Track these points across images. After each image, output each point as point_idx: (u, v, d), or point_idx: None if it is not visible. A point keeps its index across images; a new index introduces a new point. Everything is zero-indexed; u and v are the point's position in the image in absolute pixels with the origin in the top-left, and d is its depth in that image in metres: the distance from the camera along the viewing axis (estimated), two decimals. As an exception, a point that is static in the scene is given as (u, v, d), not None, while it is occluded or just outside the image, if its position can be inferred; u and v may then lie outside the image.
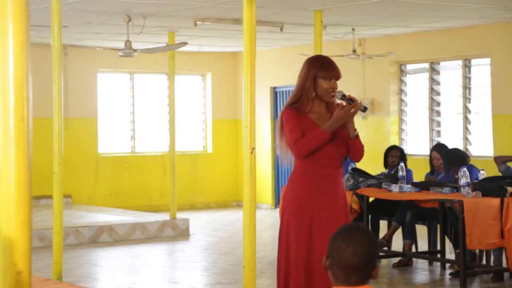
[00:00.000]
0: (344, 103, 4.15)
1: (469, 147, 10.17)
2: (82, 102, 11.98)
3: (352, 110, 4.03)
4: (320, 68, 4.13)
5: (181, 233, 9.73)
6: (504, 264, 6.71)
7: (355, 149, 4.17)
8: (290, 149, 4.14)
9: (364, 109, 4.15)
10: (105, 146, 12.28)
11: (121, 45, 8.84)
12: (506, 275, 6.77)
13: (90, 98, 12.06)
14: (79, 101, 11.92)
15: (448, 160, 7.25)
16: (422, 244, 7.80)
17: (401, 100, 11.05)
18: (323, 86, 4.12)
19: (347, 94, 4.20)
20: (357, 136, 4.16)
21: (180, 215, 10.38)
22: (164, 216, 10.04)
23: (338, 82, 4.21)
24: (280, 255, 4.23)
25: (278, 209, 8.40)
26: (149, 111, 12.64)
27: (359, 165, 8.27)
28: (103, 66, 12.13)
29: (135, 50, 8.65)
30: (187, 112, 12.97)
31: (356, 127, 4.21)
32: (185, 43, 8.82)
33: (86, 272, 7.38)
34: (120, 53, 8.70)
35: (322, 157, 4.13)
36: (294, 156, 4.14)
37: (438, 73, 10.69)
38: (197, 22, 8.77)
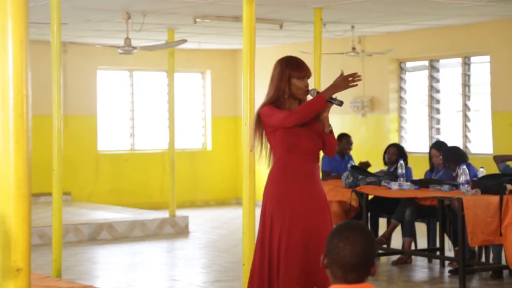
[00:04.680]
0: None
1: (468, 145, 10.17)
2: (82, 100, 11.98)
3: (350, 79, 4.16)
4: (294, 69, 4.28)
5: (180, 230, 9.73)
6: (504, 262, 6.72)
7: (329, 143, 4.30)
8: (280, 124, 4.19)
9: (340, 104, 4.24)
10: (104, 144, 12.28)
11: (121, 42, 8.83)
12: (506, 272, 6.78)
13: (90, 96, 12.06)
14: (78, 99, 11.92)
15: (447, 157, 7.25)
16: (422, 242, 7.80)
17: (401, 98, 11.05)
18: (298, 85, 4.26)
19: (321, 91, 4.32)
20: (331, 132, 4.29)
21: (180, 213, 10.39)
22: (164, 214, 10.05)
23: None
24: (261, 250, 4.23)
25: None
26: (148, 108, 12.63)
27: (359, 162, 8.27)
28: (102, 64, 12.12)
29: (134, 48, 8.64)
30: (186, 110, 12.97)
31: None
32: (184, 41, 8.82)
33: (85, 270, 7.38)
34: (119, 50, 8.69)
35: (302, 151, 4.23)
36: (286, 125, 4.19)
37: (438, 70, 10.69)
38: (197, 20, 8.76)
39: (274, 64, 4.41)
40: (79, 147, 11.85)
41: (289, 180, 4.21)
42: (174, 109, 10.12)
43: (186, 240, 9.28)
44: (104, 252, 8.42)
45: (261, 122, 4.28)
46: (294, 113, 4.18)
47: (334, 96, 4.21)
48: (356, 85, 4.22)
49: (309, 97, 4.29)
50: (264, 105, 4.29)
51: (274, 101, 4.27)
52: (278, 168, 4.25)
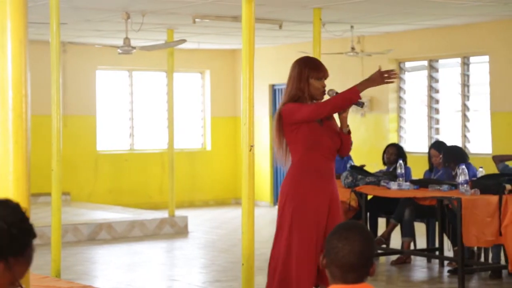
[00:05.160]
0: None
1: (467, 145, 10.17)
2: (81, 100, 11.97)
3: (386, 75, 4.19)
4: (313, 69, 4.32)
5: (179, 230, 9.73)
6: (503, 262, 6.72)
7: (346, 143, 4.35)
8: (312, 115, 4.20)
9: (361, 105, 4.26)
10: (104, 144, 12.27)
11: (120, 42, 8.83)
12: (505, 272, 6.77)
13: (89, 96, 12.05)
14: (77, 99, 11.91)
15: (448, 156, 7.25)
16: (421, 242, 7.80)
17: (400, 98, 11.05)
18: (316, 86, 4.30)
19: (339, 91, 4.34)
20: (349, 132, 4.34)
21: (179, 213, 10.38)
22: (163, 214, 10.04)
23: (335, 80, 4.35)
24: (278, 246, 4.25)
25: (277, 207, 8.38)
26: (148, 108, 12.63)
27: (358, 162, 8.27)
28: (101, 63, 12.12)
29: (133, 47, 8.64)
30: (185, 110, 12.96)
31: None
32: (183, 41, 8.82)
33: (84, 270, 7.38)
34: (118, 50, 8.69)
35: (323, 149, 4.27)
36: (319, 115, 4.21)
37: (437, 70, 10.69)
38: (196, 20, 8.76)
39: (292, 64, 4.44)
40: (78, 147, 11.85)
41: (311, 179, 4.25)
42: (174, 109, 10.11)
43: (185, 240, 9.28)
44: (103, 252, 8.42)
45: (282, 121, 4.29)
46: (327, 103, 4.21)
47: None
48: (392, 81, 4.25)
49: (326, 97, 4.33)
50: (285, 103, 4.30)
51: (296, 100, 4.30)
52: (298, 167, 4.28)
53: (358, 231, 2.30)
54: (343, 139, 4.31)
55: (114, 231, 9.30)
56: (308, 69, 4.30)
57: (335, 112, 4.23)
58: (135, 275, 7.20)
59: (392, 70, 4.25)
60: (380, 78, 4.20)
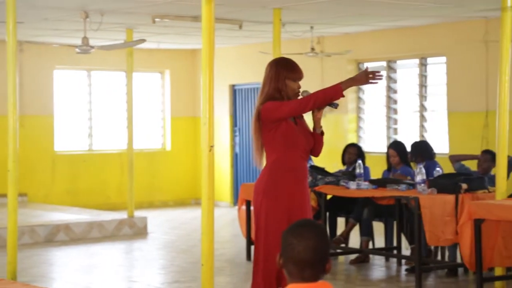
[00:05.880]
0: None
1: (425, 145, 10.31)
2: (38, 99, 11.82)
3: (371, 75, 4.20)
4: (290, 71, 4.35)
5: (139, 231, 9.66)
6: (459, 260, 6.83)
7: (319, 144, 4.39)
8: (295, 110, 4.22)
9: (335, 106, 4.29)
10: (61, 144, 12.13)
11: (78, 41, 8.73)
12: (460, 270, 6.89)
13: (47, 95, 11.90)
14: (35, 98, 11.75)
15: (414, 151, 7.34)
16: (379, 241, 7.88)
17: (359, 98, 11.15)
18: (292, 87, 4.33)
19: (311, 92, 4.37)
20: (322, 132, 4.39)
21: (138, 214, 10.31)
22: (122, 215, 9.97)
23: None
24: (257, 247, 4.26)
25: (236, 207, 8.37)
26: (106, 108, 12.52)
27: (318, 162, 8.32)
28: (59, 63, 11.98)
29: (92, 47, 8.55)
30: (145, 110, 12.89)
31: (308, 124, 4.38)
32: (143, 40, 8.76)
33: (41, 272, 7.28)
34: (77, 49, 8.59)
35: (300, 149, 4.30)
36: (302, 111, 4.23)
37: (395, 71, 10.81)
38: (156, 19, 8.71)
39: (268, 64, 4.46)
40: (36, 147, 11.69)
41: (287, 179, 4.26)
42: (133, 109, 10.05)
43: (145, 241, 9.22)
44: (61, 254, 8.32)
45: (260, 119, 4.29)
46: (309, 98, 4.21)
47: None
48: (376, 83, 4.25)
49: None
50: (264, 101, 4.30)
51: (273, 100, 4.31)
52: (275, 166, 4.29)
53: (312, 227, 2.33)
54: (317, 139, 4.36)
55: (72, 233, 9.20)
56: (285, 70, 4.33)
57: (316, 108, 4.24)
58: (93, 276, 7.13)
59: (378, 71, 4.27)
60: (365, 78, 4.22)
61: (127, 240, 9.22)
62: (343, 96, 4.22)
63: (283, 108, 4.23)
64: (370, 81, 4.22)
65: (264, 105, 4.29)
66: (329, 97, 4.21)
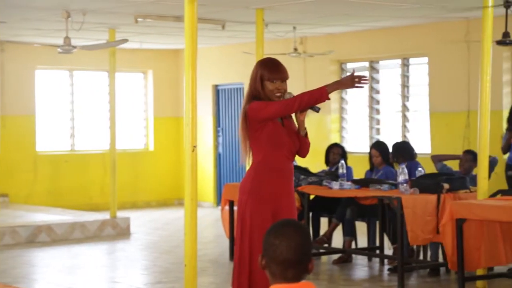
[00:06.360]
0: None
1: (407, 145, 10.36)
2: (20, 100, 11.74)
3: (357, 79, 4.20)
4: (266, 70, 4.32)
5: (121, 232, 9.63)
6: (441, 259, 6.87)
7: (304, 145, 4.39)
8: (280, 111, 4.22)
9: (317, 110, 4.30)
10: (43, 144, 12.06)
11: (60, 41, 8.68)
12: (442, 269, 6.93)
13: (28, 95, 11.83)
14: (16, 99, 11.67)
15: (396, 152, 7.37)
16: (362, 241, 7.90)
17: (342, 98, 11.18)
18: (269, 88, 4.30)
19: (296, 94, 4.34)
20: (306, 134, 4.39)
21: (121, 214, 10.27)
22: (104, 215, 9.92)
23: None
24: (241, 251, 4.24)
25: (219, 207, 8.37)
26: (89, 108, 12.46)
27: (301, 162, 8.34)
28: (41, 63, 11.91)
29: (74, 47, 8.51)
30: (128, 110, 12.84)
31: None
32: (125, 40, 8.73)
33: (23, 273, 7.23)
34: (59, 49, 8.55)
35: (286, 149, 4.30)
36: (288, 112, 4.23)
37: (378, 71, 10.85)
38: (138, 19, 8.69)
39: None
40: (17, 148, 11.60)
41: (273, 179, 4.26)
42: (116, 110, 10.01)
43: (127, 242, 9.19)
44: (43, 255, 8.27)
45: (247, 119, 4.28)
46: (295, 100, 4.18)
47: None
48: (362, 87, 4.26)
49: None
50: (249, 101, 4.30)
51: (258, 99, 4.30)
52: (261, 166, 4.28)
53: (294, 227, 2.33)
54: (302, 141, 4.37)
55: (54, 233, 9.14)
56: (262, 71, 4.31)
57: (303, 108, 4.23)
58: (76, 277, 7.09)
59: (364, 76, 4.28)
60: (350, 82, 4.22)
61: (110, 241, 9.18)
62: (328, 99, 4.21)
63: (268, 109, 4.23)
64: (356, 85, 4.22)
65: (251, 104, 4.29)
66: (314, 100, 4.20)
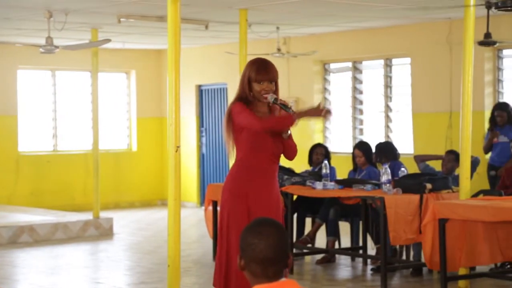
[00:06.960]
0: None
1: (390, 145, 10.40)
2: (2, 100, 11.66)
3: (323, 114, 4.33)
4: (253, 71, 4.35)
5: (104, 232, 9.59)
6: (423, 259, 6.90)
7: (289, 147, 4.43)
8: (248, 126, 4.27)
9: (287, 137, 4.41)
10: (25, 145, 11.99)
11: (42, 41, 8.63)
12: (425, 269, 6.96)
13: (10, 95, 11.75)
14: (-2, 98, 11.60)
15: (379, 152, 7.40)
16: (345, 241, 7.93)
17: (325, 99, 11.21)
18: (256, 89, 4.33)
19: (279, 98, 4.39)
20: (289, 136, 4.41)
21: (104, 214, 10.23)
22: (87, 216, 9.88)
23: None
24: (221, 248, 4.25)
25: (203, 207, 8.37)
26: (71, 109, 12.40)
27: (285, 163, 8.34)
28: (23, 63, 11.83)
29: (56, 47, 8.46)
30: (111, 110, 12.80)
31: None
32: (108, 40, 8.70)
33: (5, 274, 7.18)
34: (41, 49, 8.50)
35: (266, 152, 4.32)
36: (253, 130, 4.28)
37: (361, 72, 10.89)
38: (121, 19, 8.66)
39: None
40: (-1, 148, 11.53)
41: (251, 179, 4.27)
42: (98, 110, 9.97)
43: (110, 242, 9.15)
44: (25, 256, 8.22)
45: (231, 118, 4.29)
46: (264, 123, 4.26)
47: (289, 105, 4.36)
48: (328, 119, 4.39)
49: (270, 98, 4.31)
50: (235, 101, 4.33)
51: (244, 99, 4.33)
52: (241, 166, 4.30)
53: (270, 225, 2.34)
54: (285, 144, 4.39)
55: (36, 234, 9.09)
56: (250, 72, 4.34)
57: (270, 131, 4.29)
58: (58, 278, 7.06)
59: (329, 110, 4.38)
60: (318, 113, 4.37)
61: (93, 241, 9.14)
62: (295, 125, 4.31)
63: (242, 115, 4.27)
64: (322, 116, 4.32)
65: (234, 105, 4.32)
66: (282, 126, 4.30)
